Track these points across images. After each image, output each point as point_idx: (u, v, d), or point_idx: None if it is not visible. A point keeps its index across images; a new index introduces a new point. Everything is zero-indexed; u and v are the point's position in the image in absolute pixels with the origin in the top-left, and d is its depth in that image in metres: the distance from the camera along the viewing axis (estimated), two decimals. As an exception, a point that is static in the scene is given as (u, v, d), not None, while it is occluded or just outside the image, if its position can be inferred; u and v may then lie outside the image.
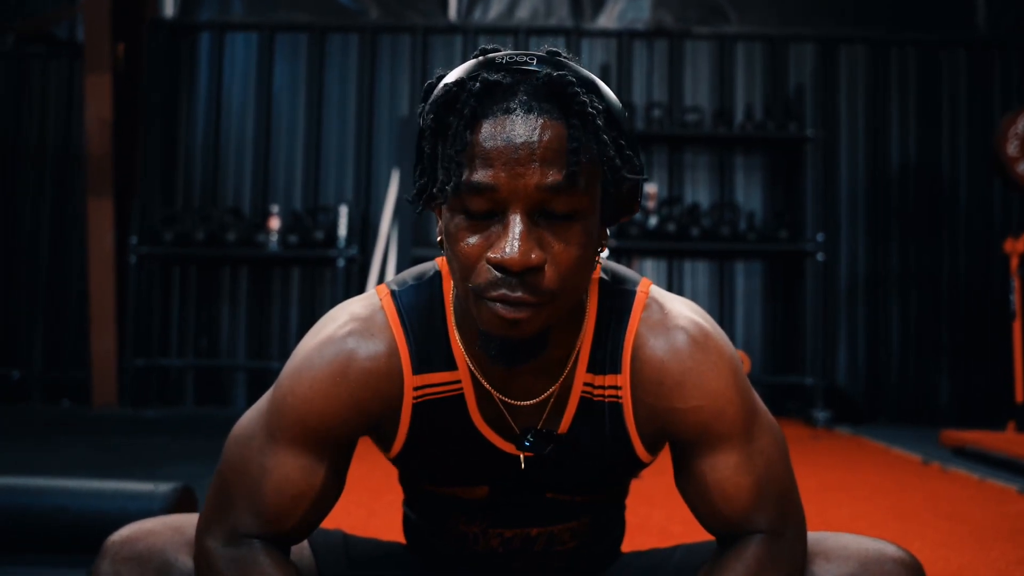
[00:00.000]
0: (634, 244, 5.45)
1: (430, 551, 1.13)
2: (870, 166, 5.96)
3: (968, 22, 6.06)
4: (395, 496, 2.69)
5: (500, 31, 6.03)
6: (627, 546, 1.21)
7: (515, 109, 0.82)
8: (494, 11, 6.14)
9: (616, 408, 0.97)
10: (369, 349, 0.94)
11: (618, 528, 1.16)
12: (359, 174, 5.97)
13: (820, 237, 5.41)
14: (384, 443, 1.00)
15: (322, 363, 0.94)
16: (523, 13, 6.14)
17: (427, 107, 0.87)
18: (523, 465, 0.99)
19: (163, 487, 1.79)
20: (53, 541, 1.77)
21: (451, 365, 0.96)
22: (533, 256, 0.81)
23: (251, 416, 0.98)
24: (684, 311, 0.97)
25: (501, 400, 0.96)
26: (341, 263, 5.54)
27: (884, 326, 5.87)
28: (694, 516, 1.00)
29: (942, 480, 3.41)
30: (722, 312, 5.85)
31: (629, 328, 0.96)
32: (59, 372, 5.89)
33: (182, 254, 5.67)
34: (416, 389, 0.96)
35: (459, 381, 0.97)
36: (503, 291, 0.82)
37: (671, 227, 5.46)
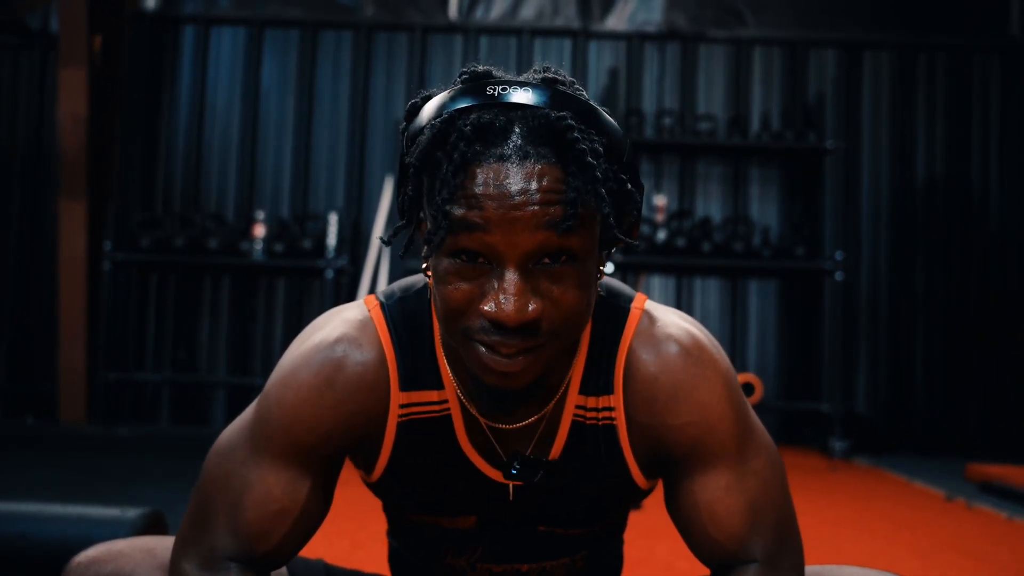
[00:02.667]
0: (641, 259, 5.45)
1: None
2: (894, 179, 5.96)
3: (1001, 26, 6.08)
4: (379, 527, 2.67)
5: (503, 31, 6.05)
6: (626, 585, 1.20)
7: (510, 156, 0.81)
8: (497, 9, 6.15)
9: (610, 431, 0.98)
10: (358, 358, 0.95)
11: (615, 565, 1.17)
12: (351, 180, 5.97)
13: (839, 255, 5.40)
14: (367, 464, 1.01)
15: (309, 372, 0.95)
16: (528, 12, 6.15)
17: (414, 140, 0.87)
18: (511, 496, 1.00)
19: (131, 512, 1.77)
20: (8, 570, 1.75)
21: (438, 384, 0.98)
22: (530, 309, 0.82)
23: (235, 428, 0.99)
24: (676, 320, 0.99)
25: (488, 425, 0.97)
26: (330, 274, 5.53)
27: (908, 350, 5.86)
28: (686, 544, 1.00)
29: (967, 518, 3.39)
30: (734, 333, 5.84)
31: (622, 345, 0.97)
32: (24, 385, 5.87)
33: (160, 261, 5.66)
34: (402, 407, 0.97)
35: (446, 401, 0.98)
36: (497, 338, 0.82)
37: (680, 242, 5.46)
